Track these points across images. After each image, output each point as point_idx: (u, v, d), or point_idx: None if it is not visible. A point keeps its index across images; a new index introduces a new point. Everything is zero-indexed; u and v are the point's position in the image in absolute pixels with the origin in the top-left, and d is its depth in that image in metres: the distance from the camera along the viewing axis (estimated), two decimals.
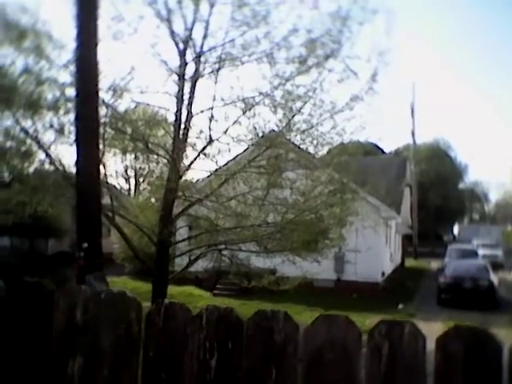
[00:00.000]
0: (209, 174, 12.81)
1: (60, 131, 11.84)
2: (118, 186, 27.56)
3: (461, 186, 63.07)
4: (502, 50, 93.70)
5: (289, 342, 1.91)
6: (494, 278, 20.84)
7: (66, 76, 11.62)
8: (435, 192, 50.55)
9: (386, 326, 1.81)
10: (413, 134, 46.05)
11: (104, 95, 11.38)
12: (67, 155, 12.73)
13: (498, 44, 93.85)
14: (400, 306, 18.84)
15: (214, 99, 11.62)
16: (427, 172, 50.42)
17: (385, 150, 50.88)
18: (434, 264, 34.92)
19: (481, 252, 33.97)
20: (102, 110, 11.29)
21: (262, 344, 1.93)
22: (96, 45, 8.65)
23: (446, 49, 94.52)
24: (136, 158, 24.42)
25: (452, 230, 64.44)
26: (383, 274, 22.86)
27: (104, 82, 11.26)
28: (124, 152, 15.01)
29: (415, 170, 42.25)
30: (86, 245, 8.18)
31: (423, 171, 48.60)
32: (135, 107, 12.96)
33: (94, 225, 8.53)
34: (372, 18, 11.56)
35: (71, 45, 9.96)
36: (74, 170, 10.00)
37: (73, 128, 10.61)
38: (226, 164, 12.82)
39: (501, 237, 47.80)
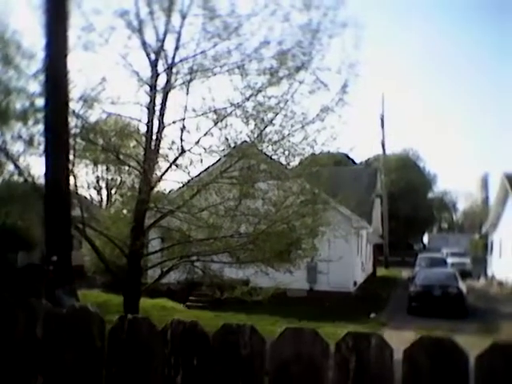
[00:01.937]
0: (181, 185, 12.77)
1: (29, 142, 11.67)
2: (89, 198, 27.22)
3: (430, 195, 64.06)
4: (469, 62, 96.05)
5: (255, 356, 1.89)
6: (463, 285, 21.21)
7: (35, 86, 11.48)
8: (405, 202, 51.21)
9: (352, 339, 1.80)
10: (383, 145, 46.75)
11: (75, 106, 11.28)
12: (36, 166, 12.55)
13: (466, 55, 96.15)
14: (372, 315, 18.98)
15: (186, 110, 11.64)
16: (397, 182, 51.10)
17: (356, 161, 51.46)
18: (405, 273, 35.34)
19: (450, 260, 34.55)
20: (73, 121, 11.18)
21: (228, 359, 1.91)
22: (66, 55, 8.58)
23: (414, 61, 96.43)
24: (107, 169, 24.14)
25: (422, 239, 65.34)
26: (355, 283, 23.03)
27: (75, 93, 11.18)
28: (95, 163, 14.84)
29: (385, 181, 42.82)
30: (55, 258, 8.05)
31: (393, 181, 49.25)
32: (106, 118, 12.87)
33: (63, 237, 8.40)
34: (342, 31, 11.77)
35: (41, 54, 9.86)
36: (43, 181, 9.85)
37: (42, 139, 10.47)
38: (199, 175, 12.81)
39: (469, 245, 48.64)
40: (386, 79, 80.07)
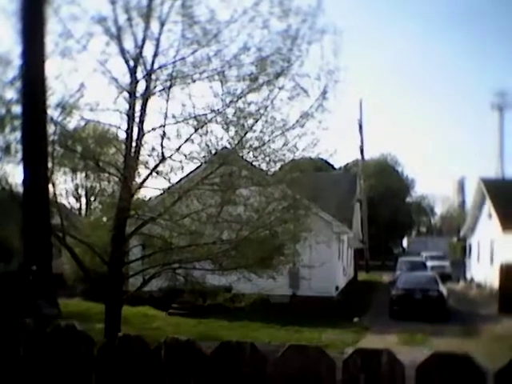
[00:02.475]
0: (162, 192, 12.68)
1: (6, 150, 11.48)
2: (69, 206, 26.92)
3: (408, 199, 64.67)
4: (447, 69, 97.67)
5: (257, 376, 1.78)
6: (443, 289, 21.42)
7: (12, 93, 11.31)
8: (384, 206, 51.59)
9: (361, 357, 1.67)
10: (361, 150, 47.07)
11: (53, 112, 11.14)
12: (14, 174, 12.35)
13: (444, 62, 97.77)
14: (355, 320, 19.05)
15: (166, 117, 11.56)
16: (376, 187, 51.49)
17: (335, 166, 51.75)
18: (386, 277, 35.60)
19: (429, 264, 34.87)
20: (51, 128, 11.03)
21: (228, 379, 1.80)
22: (43, 61, 8.46)
23: (392, 66, 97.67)
24: (87, 176, 23.93)
25: (401, 243, 65.90)
26: (337, 288, 23.10)
27: (53, 99, 11.04)
28: (74, 171, 14.68)
29: (364, 186, 43.12)
30: (34, 267, 7.90)
31: (372, 186, 49.63)
32: (85, 125, 12.73)
33: (43, 246, 8.25)
34: (320, 38, 11.82)
35: (18, 61, 9.72)
36: (21, 189, 9.68)
37: (19, 146, 10.30)
38: (179, 181, 12.73)
39: (447, 248, 49.19)
40: (364, 84, 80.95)
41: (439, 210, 78.13)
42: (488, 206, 31.12)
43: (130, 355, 1.89)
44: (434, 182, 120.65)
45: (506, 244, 26.56)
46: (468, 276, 35.77)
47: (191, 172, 13.06)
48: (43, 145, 8.62)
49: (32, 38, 8.24)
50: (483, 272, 30.81)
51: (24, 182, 8.52)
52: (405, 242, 64.32)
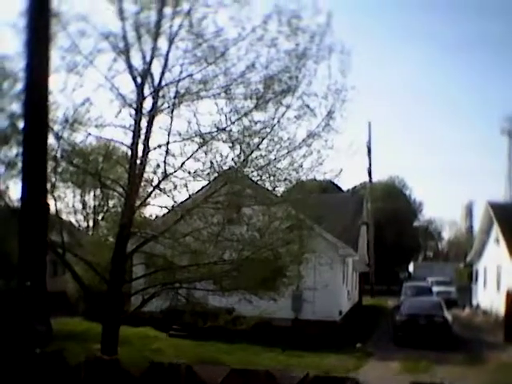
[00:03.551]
0: (165, 210, 12.54)
1: (9, 164, 11.41)
2: (76, 223, 26.89)
3: (416, 223, 64.25)
4: (457, 92, 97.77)
5: None
6: (448, 315, 21.07)
7: (17, 107, 11.29)
8: (391, 230, 51.20)
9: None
10: (369, 173, 46.98)
11: (58, 128, 11.08)
12: (17, 189, 12.27)
13: (454, 85, 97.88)
14: (358, 345, 18.70)
15: (171, 134, 11.48)
16: (383, 210, 51.15)
17: (342, 188, 51.52)
18: (391, 302, 35.14)
19: (435, 289, 34.45)
20: (56, 143, 10.98)
21: None
22: (48, 76, 8.40)
23: (402, 89, 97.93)
24: (94, 194, 23.91)
25: (407, 268, 65.24)
26: (341, 312, 22.72)
27: (58, 114, 11.00)
28: (79, 186, 14.58)
29: (371, 208, 42.85)
30: (28, 283, 7.73)
31: (379, 209, 49.29)
32: (90, 141, 12.64)
33: (37, 262, 8.09)
34: (328, 57, 11.76)
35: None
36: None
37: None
38: (183, 201, 12.58)
39: (454, 274, 48.63)
40: (373, 105, 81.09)
41: (446, 234, 77.59)
42: (496, 231, 30.75)
43: (48, 371, 1.78)
44: (442, 206, 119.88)
45: None
46: (474, 302, 35.24)
47: (195, 191, 12.91)
48: (43, 159, 8.51)
49: (37, 51, 8.19)
50: (489, 298, 30.33)
51: (22, 196, 8.40)
52: (411, 267, 63.63)
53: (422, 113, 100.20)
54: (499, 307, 25.02)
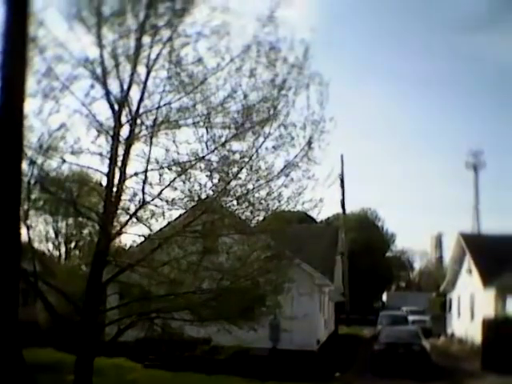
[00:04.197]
0: (142, 238, 12.34)
1: None
2: (47, 252, 26.31)
3: (388, 254, 64.82)
4: (425, 128, 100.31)
5: None
6: (426, 343, 21.08)
7: None
8: (365, 260, 51.53)
9: None
10: (342, 205, 47.44)
11: (32, 153, 10.89)
12: None
13: (422, 123, 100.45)
14: (337, 375, 18.51)
15: (149, 162, 11.38)
16: (357, 241, 51.55)
17: (316, 219, 51.68)
18: (367, 331, 35.10)
19: (410, 318, 34.58)
20: (29, 169, 10.77)
21: None
22: (23, 99, 8.27)
23: (374, 120, 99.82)
24: (67, 222, 23.49)
25: (381, 297, 65.44)
26: (318, 341, 22.55)
27: (32, 139, 10.81)
28: (52, 214, 14.29)
29: (346, 239, 43.07)
30: None
31: (353, 240, 49.62)
32: (64, 167, 12.40)
33: (10, 291, 7.80)
34: (306, 88, 11.90)
35: None
36: None
37: None
38: (161, 229, 12.41)
39: (427, 303, 48.93)
40: (345, 138, 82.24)
41: (418, 264, 78.36)
42: (468, 262, 31.16)
43: None
44: (413, 237, 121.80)
45: (486, 299, 26.46)
46: (449, 331, 35.43)
47: (173, 219, 12.76)
48: (17, 185, 8.29)
49: (12, 74, 8.06)
50: (464, 327, 30.53)
51: None
52: (385, 296, 63.87)
53: (394, 146, 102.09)
54: (474, 335, 25.18)
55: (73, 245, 26.76)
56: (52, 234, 28.01)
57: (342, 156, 45.70)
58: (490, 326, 21.31)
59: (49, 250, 26.86)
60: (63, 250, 28.18)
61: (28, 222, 11.59)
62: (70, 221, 19.46)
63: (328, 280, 25.22)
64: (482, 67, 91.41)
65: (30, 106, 9.87)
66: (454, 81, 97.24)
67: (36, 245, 14.05)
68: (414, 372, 18.51)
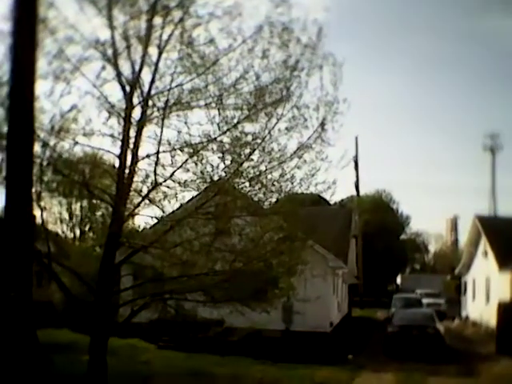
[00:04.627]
0: (155, 220, 12.36)
1: None
2: (62, 233, 26.57)
3: (403, 236, 64.52)
4: (441, 111, 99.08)
5: None
6: (440, 326, 20.99)
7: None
8: (379, 243, 51.35)
9: None
10: (356, 187, 47.17)
11: (44, 135, 10.88)
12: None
13: (438, 105, 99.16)
14: (350, 357, 18.54)
15: (161, 143, 11.34)
16: (371, 223, 51.30)
17: (329, 202, 51.52)
18: (380, 313, 35.08)
19: (425, 301, 34.44)
20: (41, 151, 10.78)
21: None
22: (33, 80, 8.23)
23: (391, 101, 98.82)
24: (80, 204, 23.67)
25: (395, 280, 65.34)
26: (331, 324, 22.57)
27: (44, 122, 10.79)
28: (66, 196, 14.34)
29: (360, 221, 42.91)
30: (13, 294, 7.49)
31: (367, 222, 49.39)
32: (77, 149, 12.40)
33: (23, 271, 7.85)
34: (320, 69, 11.73)
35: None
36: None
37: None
38: (173, 211, 12.41)
39: (442, 286, 48.74)
40: (361, 119, 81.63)
41: (432, 247, 78.00)
42: (484, 244, 30.88)
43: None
44: (428, 220, 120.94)
45: (502, 282, 26.24)
46: (463, 314, 35.27)
47: (185, 201, 12.75)
48: (29, 166, 8.30)
49: (22, 55, 8.02)
50: (479, 310, 30.36)
51: (6, 204, 8.15)
52: (399, 279, 63.76)
53: (409, 128, 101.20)
54: (489, 319, 25.03)
55: (87, 227, 26.99)
56: (66, 216, 28.33)
57: (356, 138, 45.40)
58: (505, 310, 21.11)
59: (63, 232, 27.14)
60: (77, 231, 28.47)
61: (41, 203, 11.64)
62: (84, 203, 19.57)
63: (342, 262, 25.19)
64: (502, 50, 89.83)
65: (40, 87, 9.83)
66: (470, 63, 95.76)
67: (50, 226, 14.16)
68: (428, 355, 18.47)
